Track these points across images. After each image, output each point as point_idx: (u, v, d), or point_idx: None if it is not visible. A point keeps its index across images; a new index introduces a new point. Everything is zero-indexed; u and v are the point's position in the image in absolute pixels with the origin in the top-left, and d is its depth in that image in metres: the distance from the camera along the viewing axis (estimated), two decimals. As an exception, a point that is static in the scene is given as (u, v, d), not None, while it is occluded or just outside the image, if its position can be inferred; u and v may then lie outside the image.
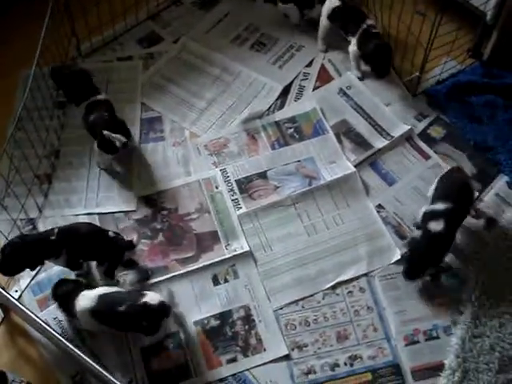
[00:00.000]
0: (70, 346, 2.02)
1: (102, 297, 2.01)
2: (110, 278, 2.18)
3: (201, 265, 2.23)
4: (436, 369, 2.06)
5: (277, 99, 2.68)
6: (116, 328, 2.06)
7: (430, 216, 2.16)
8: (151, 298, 1.98)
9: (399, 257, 2.25)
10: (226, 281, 2.22)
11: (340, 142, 2.54)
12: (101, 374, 1.95)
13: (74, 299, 2.02)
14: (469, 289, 2.19)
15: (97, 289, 2.05)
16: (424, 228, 2.15)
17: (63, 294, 2.07)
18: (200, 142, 2.55)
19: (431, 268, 2.15)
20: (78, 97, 2.45)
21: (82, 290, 2.04)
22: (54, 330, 2.05)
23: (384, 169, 2.48)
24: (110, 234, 2.15)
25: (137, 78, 2.74)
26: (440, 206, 2.16)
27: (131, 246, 2.21)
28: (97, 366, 1.96)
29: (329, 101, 2.66)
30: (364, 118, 2.60)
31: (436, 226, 2.11)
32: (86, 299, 2.01)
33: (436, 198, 2.20)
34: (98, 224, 2.28)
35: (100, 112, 2.37)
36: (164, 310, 1.99)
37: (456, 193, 2.20)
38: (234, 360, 2.07)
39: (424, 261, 2.13)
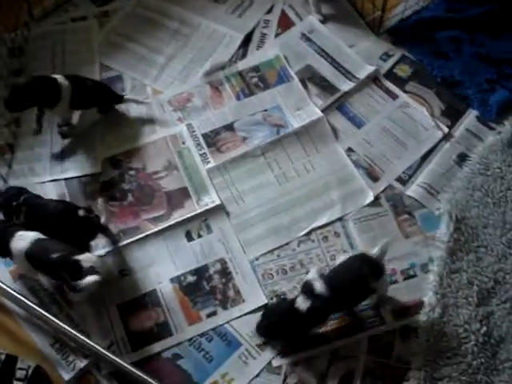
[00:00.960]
0: (46, 314, 2.00)
1: (38, 241, 1.95)
2: None
3: (173, 222, 2.20)
4: (416, 307, 2.06)
5: (238, 49, 2.61)
6: (49, 276, 2.02)
7: (304, 288, 1.93)
8: (86, 258, 1.93)
9: (372, 198, 2.23)
10: (199, 236, 2.20)
11: (305, 87, 2.49)
12: (78, 337, 1.94)
13: (10, 238, 1.97)
14: (443, 225, 2.18)
15: (35, 232, 1.99)
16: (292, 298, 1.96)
17: None
18: (163, 98, 2.50)
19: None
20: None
21: (18, 230, 1.98)
22: (28, 300, 2.03)
23: (352, 111, 2.44)
24: (81, 213, 2.07)
25: (93, 38, 2.66)
26: (319, 286, 1.89)
27: (104, 227, 2.15)
28: (73, 331, 1.96)
29: (291, 47, 2.61)
30: (328, 61, 2.55)
31: (302, 303, 1.89)
32: (22, 240, 1.95)
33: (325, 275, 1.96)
34: (64, 189, 2.25)
35: None
36: (93, 273, 1.92)
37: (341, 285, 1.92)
38: (213, 314, 2.06)
39: (273, 328, 1.96)
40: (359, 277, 1.90)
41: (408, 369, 1.96)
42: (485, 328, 2.01)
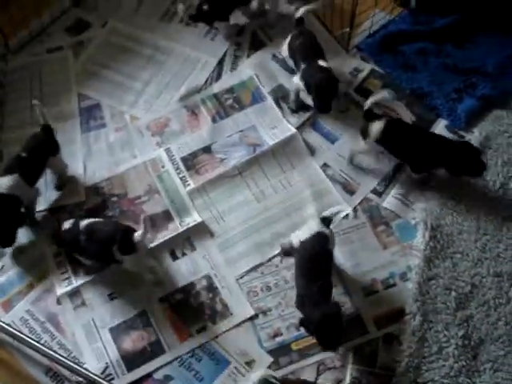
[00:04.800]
0: (37, 344, 2.05)
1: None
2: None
3: (156, 243, 2.25)
4: (397, 315, 2.12)
5: (212, 72, 2.68)
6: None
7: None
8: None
9: (350, 211, 2.29)
10: (184, 254, 2.25)
11: (279, 106, 2.56)
12: (69, 364, 1.98)
13: None
14: (419, 234, 2.25)
15: None
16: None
17: None
18: (141, 123, 2.55)
19: None
20: None
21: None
22: (19, 332, 2.08)
23: (325, 127, 2.51)
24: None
25: (69, 68, 2.72)
26: None
27: None
28: (65, 359, 2.00)
29: (264, 67, 2.67)
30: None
31: None
32: None
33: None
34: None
35: None
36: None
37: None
38: (203, 329, 2.12)
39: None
40: None
41: (392, 375, 2.01)
42: (464, 331, 2.07)
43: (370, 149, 2.32)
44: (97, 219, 2.17)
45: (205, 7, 2.62)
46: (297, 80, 2.45)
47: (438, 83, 2.61)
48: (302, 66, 2.42)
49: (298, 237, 2.06)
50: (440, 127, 2.51)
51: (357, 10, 2.55)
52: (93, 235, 2.08)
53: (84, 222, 2.12)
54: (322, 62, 2.41)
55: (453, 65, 2.66)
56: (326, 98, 2.36)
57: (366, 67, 2.68)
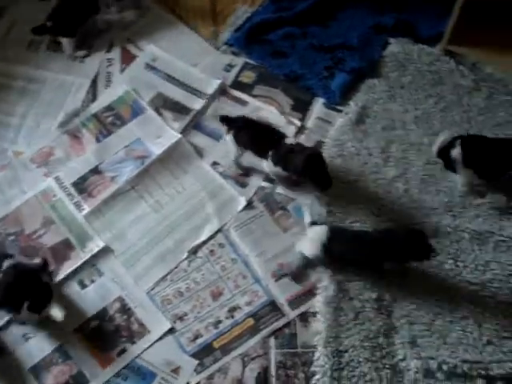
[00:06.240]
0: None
1: None
2: None
3: (62, 276, 2.22)
4: (310, 292, 2.18)
5: (88, 93, 2.66)
6: None
7: None
8: None
9: (245, 203, 2.34)
10: (92, 281, 2.23)
11: (160, 114, 2.57)
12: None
13: None
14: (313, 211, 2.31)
15: None
16: None
17: None
18: (25, 157, 2.51)
19: None
20: None
21: None
22: None
23: (208, 127, 2.55)
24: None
25: None
26: None
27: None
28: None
29: (139, 79, 2.68)
30: (176, 85, 2.65)
31: None
32: None
33: None
34: None
35: None
36: None
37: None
38: (123, 351, 2.11)
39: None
40: None
41: (315, 351, 2.07)
42: (376, 293, 2.15)
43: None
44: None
45: (48, 24, 2.64)
46: (270, 167, 2.30)
47: (308, 64, 2.69)
48: (269, 152, 2.28)
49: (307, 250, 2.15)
50: (318, 106, 2.59)
51: (217, 7, 2.60)
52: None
53: None
54: (288, 140, 2.29)
55: (319, 44, 2.75)
56: (323, 175, 2.23)
57: (239, 61, 2.72)
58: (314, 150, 2.31)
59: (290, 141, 2.27)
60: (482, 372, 2.01)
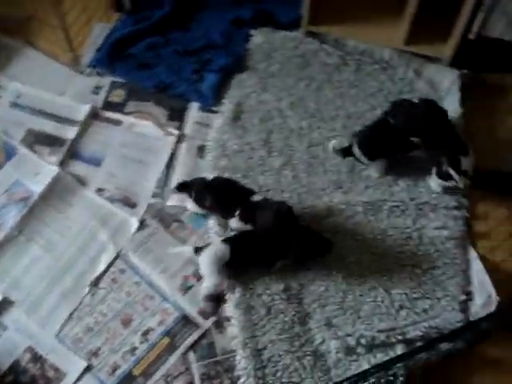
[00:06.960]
0: None
1: None
2: None
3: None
4: (219, 298, 2.17)
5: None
6: None
7: None
8: None
9: (138, 223, 2.31)
10: (-3, 337, 2.15)
11: (35, 151, 2.50)
12: None
13: None
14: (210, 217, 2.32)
15: None
16: None
17: None
18: None
19: None
20: None
21: None
22: None
23: (86, 153, 2.50)
24: None
25: None
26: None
27: None
28: None
29: (6, 119, 2.59)
30: (45, 117, 2.58)
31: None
32: None
33: None
34: None
35: None
36: None
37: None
38: (44, 400, 2.05)
39: None
40: None
41: (235, 355, 2.07)
42: (283, 284, 2.17)
43: None
44: None
45: None
46: (237, 224, 2.21)
47: (175, 71, 2.68)
48: (235, 212, 2.20)
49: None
50: (194, 111, 2.59)
51: (71, 30, 2.54)
52: None
53: None
54: (256, 198, 2.20)
55: (183, 49, 2.74)
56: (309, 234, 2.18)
57: (106, 82, 2.68)
58: (282, 205, 2.15)
59: (256, 198, 2.19)
60: (400, 337, 2.06)
